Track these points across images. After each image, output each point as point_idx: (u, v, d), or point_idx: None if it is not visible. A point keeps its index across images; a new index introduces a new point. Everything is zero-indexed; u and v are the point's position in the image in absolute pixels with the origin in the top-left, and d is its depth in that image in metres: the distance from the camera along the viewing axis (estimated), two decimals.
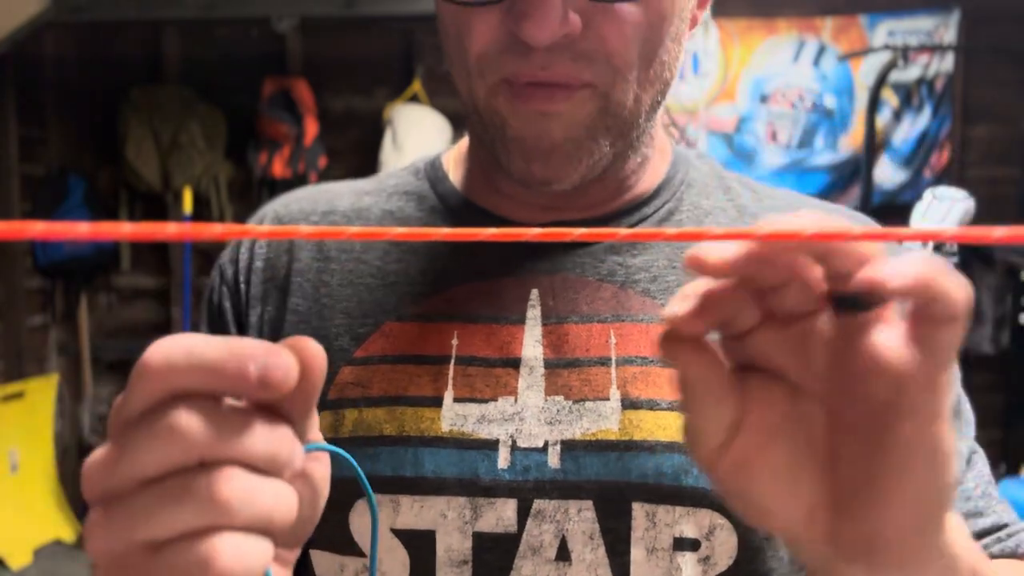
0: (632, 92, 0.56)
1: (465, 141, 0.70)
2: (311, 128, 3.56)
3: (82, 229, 0.23)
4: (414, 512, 0.58)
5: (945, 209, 3.08)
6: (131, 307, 3.86)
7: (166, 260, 3.79)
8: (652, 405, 0.58)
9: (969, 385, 0.64)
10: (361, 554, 0.60)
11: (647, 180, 0.66)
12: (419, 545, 0.58)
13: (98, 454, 0.34)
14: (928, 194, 3.19)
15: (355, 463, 0.37)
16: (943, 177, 3.54)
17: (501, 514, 0.58)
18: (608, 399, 0.59)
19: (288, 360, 0.33)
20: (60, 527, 3.53)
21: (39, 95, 3.74)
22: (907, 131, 3.57)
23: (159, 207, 3.67)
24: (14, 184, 3.67)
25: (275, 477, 0.34)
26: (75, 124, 3.76)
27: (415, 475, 0.58)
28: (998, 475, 3.03)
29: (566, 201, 0.64)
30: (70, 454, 3.78)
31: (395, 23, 3.54)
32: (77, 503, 3.69)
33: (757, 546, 0.58)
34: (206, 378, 0.32)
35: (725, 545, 0.57)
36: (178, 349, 0.32)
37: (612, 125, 0.57)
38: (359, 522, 0.59)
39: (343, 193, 0.71)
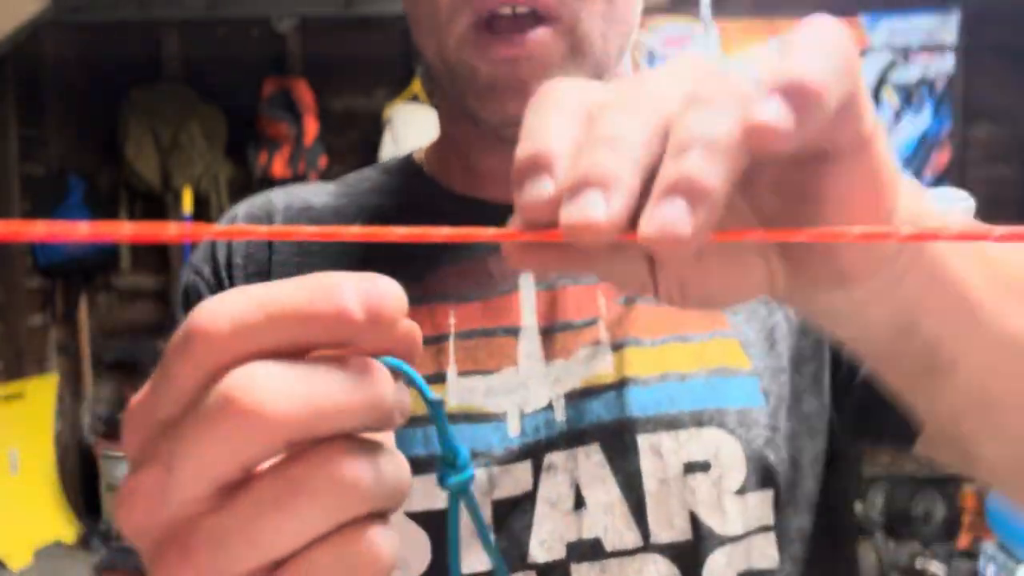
0: (598, 27, 0.57)
1: (436, 136, 0.71)
2: (311, 128, 3.56)
3: (82, 229, 0.23)
4: (428, 492, 0.58)
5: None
6: (131, 307, 3.86)
7: (166, 260, 3.79)
8: (637, 343, 0.60)
9: None
10: None
11: None
12: (438, 524, 0.58)
13: (136, 480, 0.25)
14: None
15: (414, 373, 0.28)
16: (943, 177, 3.53)
17: (517, 477, 0.58)
18: (598, 343, 0.60)
19: (389, 282, 0.25)
20: (60, 527, 3.53)
21: (39, 95, 3.73)
22: (907, 131, 3.57)
23: (159, 207, 3.67)
24: (14, 184, 3.67)
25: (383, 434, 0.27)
26: (75, 124, 3.76)
27: (427, 454, 0.58)
28: None
29: None
30: (70, 454, 3.77)
31: (395, 23, 3.54)
32: (77, 503, 3.69)
33: (760, 452, 0.59)
34: (295, 329, 0.25)
35: (733, 459, 0.58)
36: (242, 302, 0.25)
37: (583, 63, 0.58)
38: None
39: (316, 192, 0.71)
